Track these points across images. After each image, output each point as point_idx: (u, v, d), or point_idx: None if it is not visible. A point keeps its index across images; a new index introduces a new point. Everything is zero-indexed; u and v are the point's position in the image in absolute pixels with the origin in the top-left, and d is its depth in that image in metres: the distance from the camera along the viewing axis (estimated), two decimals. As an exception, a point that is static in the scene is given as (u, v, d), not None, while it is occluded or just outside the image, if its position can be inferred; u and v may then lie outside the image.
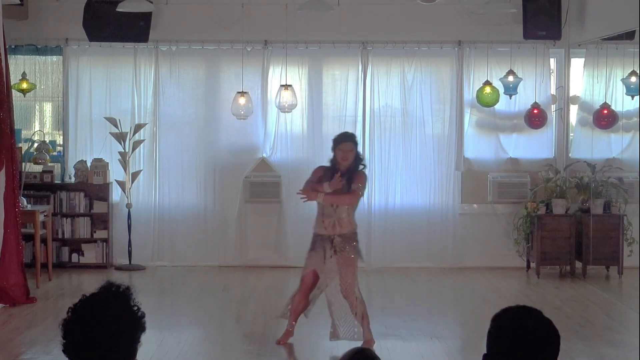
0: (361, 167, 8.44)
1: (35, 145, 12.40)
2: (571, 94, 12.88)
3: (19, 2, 11.39)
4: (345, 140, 8.39)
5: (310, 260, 8.34)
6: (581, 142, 12.79)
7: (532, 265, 12.29)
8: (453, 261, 12.69)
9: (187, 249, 12.73)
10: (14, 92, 11.20)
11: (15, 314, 9.77)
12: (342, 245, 8.24)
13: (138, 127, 12.51)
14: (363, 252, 12.79)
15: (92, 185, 12.48)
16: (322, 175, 8.39)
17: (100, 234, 12.55)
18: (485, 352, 3.28)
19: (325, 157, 12.63)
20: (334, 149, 8.40)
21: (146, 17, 12.05)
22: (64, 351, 3.10)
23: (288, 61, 12.50)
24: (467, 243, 12.73)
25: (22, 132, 12.67)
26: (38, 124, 13.03)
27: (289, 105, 12.35)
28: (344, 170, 8.27)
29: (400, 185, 12.74)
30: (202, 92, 12.84)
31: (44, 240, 11.78)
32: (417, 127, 12.71)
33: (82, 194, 12.54)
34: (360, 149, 12.41)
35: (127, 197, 12.51)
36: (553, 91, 12.83)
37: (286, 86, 12.34)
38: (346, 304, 8.23)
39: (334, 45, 12.58)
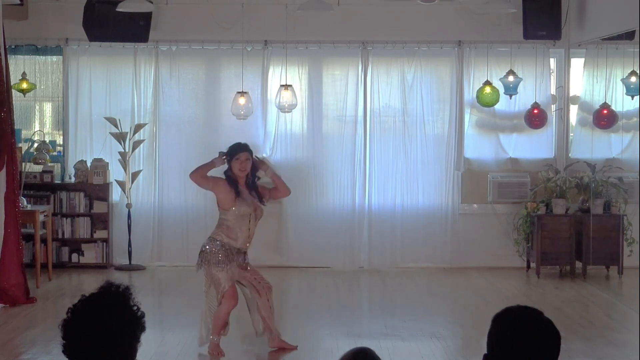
0: (257, 179, 8.26)
1: (35, 145, 12.40)
2: (571, 94, 12.88)
3: (19, 2, 11.39)
4: (241, 150, 8.14)
5: (229, 273, 8.06)
6: (581, 142, 12.79)
7: (532, 265, 12.29)
8: (453, 261, 12.68)
9: (187, 249, 12.70)
10: (14, 92, 11.21)
11: (15, 314, 9.77)
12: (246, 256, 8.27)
13: (138, 127, 12.51)
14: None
15: (92, 185, 12.48)
16: (231, 188, 8.12)
17: (100, 234, 12.55)
18: (486, 352, 3.28)
19: (325, 156, 12.75)
20: (230, 161, 8.12)
21: (146, 17, 12.04)
22: (63, 351, 3.10)
23: (288, 61, 12.50)
24: (467, 243, 12.72)
25: (22, 132, 12.67)
26: (38, 124, 13.03)
27: (289, 105, 12.35)
28: (243, 185, 8.12)
29: (401, 185, 12.74)
30: (202, 92, 12.84)
31: (44, 240, 11.78)
32: (417, 127, 12.70)
33: (82, 194, 12.54)
34: (360, 149, 12.66)
35: (127, 197, 12.51)
36: (553, 91, 12.83)
37: (286, 86, 12.34)
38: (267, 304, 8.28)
39: (334, 45, 12.58)
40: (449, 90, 12.74)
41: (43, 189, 12.46)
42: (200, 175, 8.16)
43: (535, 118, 12.41)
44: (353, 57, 12.69)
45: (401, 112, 12.74)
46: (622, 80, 12.40)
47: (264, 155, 12.62)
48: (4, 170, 10.09)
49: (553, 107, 12.77)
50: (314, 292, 11.26)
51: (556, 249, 12.04)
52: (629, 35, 11.38)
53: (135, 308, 3.12)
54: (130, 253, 12.53)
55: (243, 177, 8.14)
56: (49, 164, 12.46)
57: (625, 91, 12.44)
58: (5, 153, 10.09)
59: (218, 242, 8.06)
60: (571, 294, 11.10)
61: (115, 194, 12.72)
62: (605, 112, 12.29)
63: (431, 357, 8.22)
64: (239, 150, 8.16)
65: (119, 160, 12.49)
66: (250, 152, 8.21)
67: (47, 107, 13.12)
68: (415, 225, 12.69)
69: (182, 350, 8.39)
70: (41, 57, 12.65)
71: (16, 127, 11.07)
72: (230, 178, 8.13)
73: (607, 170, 12.33)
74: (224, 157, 8.21)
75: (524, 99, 12.55)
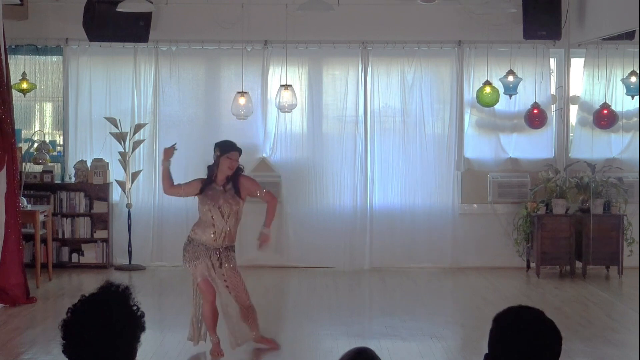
0: (241, 171, 8.21)
1: (35, 145, 12.40)
2: (571, 94, 12.88)
3: (19, 2, 11.40)
4: (234, 149, 8.14)
5: (198, 269, 8.02)
6: (581, 142, 12.79)
7: (532, 265, 12.29)
8: (453, 261, 12.69)
9: (187, 249, 12.69)
10: (14, 92, 11.20)
11: (15, 314, 9.77)
12: (226, 256, 8.03)
13: (138, 127, 12.51)
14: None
15: (92, 185, 12.48)
16: (204, 189, 8.11)
17: (100, 234, 12.55)
18: (487, 352, 3.28)
19: (325, 156, 12.74)
20: (220, 156, 8.09)
21: (146, 17, 12.04)
22: (63, 351, 3.10)
23: (288, 61, 12.50)
24: (467, 243, 12.72)
25: (22, 132, 12.67)
26: (38, 124, 13.03)
27: (289, 105, 12.35)
28: (222, 179, 8.08)
29: (401, 185, 12.74)
30: (202, 92, 12.84)
31: (44, 240, 11.78)
32: (417, 127, 12.71)
33: (82, 194, 12.54)
34: (360, 149, 12.66)
35: (127, 197, 12.51)
36: (553, 91, 12.83)
37: (286, 86, 12.34)
38: (237, 312, 8.05)
39: (334, 45, 12.58)
40: (449, 90, 12.74)
41: (43, 189, 12.46)
42: (167, 186, 8.29)
43: (535, 118, 12.41)
44: (353, 57, 12.69)
45: (401, 112, 12.74)
46: (622, 80, 12.41)
47: (264, 155, 12.66)
48: (4, 170, 10.09)
49: (553, 107, 12.77)
50: (314, 292, 11.26)
51: (556, 249, 12.04)
52: (629, 35, 11.38)
53: (135, 308, 3.12)
54: (130, 253, 12.54)
55: (227, 174, 8.12)
56: (49, 164, 12.46)
57: (625, 91, 12.44)
58: (6, 153, 10.10)
59: (189, 238, 8.15)
60: (571, 294, 11.10)
61: (115, 194, 12.72)
62: (605, 112, 12.29)
63: (431, 357, 8.22)
64: (233, 148, 8.19)
65: (119, 160, 12.49)
66: (240, 152, 8.25)
67: (47, 107, 13.12)
68: (415, 225, 12.69)
69: (182, 350, 8.39)
70: (41, 57, 12.65)
71: (16, 127, 11.07)
72: (211, 173, 8.12)
73: (607, 170, 12.33)
74: (176, 148, 8.28)
75: (524, 99, 12.56)
